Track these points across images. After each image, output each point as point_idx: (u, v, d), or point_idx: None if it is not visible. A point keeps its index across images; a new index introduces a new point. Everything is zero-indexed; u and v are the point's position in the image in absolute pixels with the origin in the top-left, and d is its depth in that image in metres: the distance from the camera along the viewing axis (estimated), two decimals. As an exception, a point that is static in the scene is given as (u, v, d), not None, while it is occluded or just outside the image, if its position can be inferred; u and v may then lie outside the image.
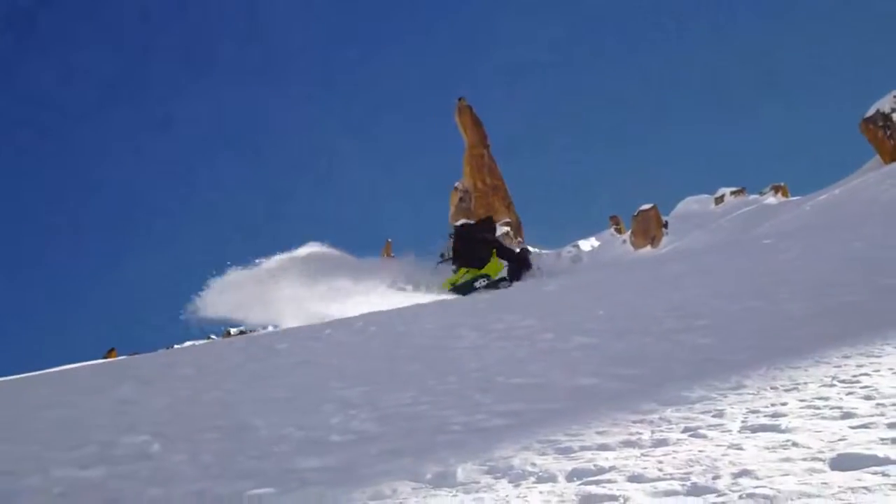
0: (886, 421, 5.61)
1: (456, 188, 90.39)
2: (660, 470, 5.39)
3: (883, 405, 6.06)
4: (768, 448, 5.46)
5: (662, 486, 5.02)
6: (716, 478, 4.94)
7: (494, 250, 30.32)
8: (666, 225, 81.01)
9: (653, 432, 6.57)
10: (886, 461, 4.67)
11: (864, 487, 4.27)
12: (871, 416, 5.83)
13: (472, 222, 35.43)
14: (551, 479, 5.72)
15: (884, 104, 71.92)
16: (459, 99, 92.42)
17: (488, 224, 33.10)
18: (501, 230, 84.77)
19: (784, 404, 6.71)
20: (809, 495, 4.31)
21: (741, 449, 5.57)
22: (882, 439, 5.15)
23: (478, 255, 29.54)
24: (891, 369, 7.26)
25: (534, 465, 6.18)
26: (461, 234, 30.88)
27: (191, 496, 7.13)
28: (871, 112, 72.59)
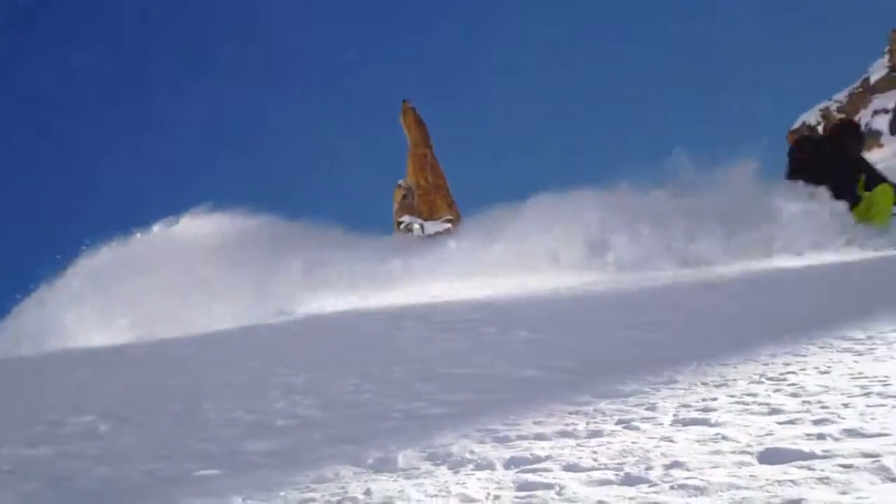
0: (812, 417, 5.65)
1: (399, 185, 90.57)
2: (594, 460, 5.38)
3: (809, 402, 6.10)
4: (699, 441, 5.47)
5: (597, 475, 5.00)
6: (648, 468, 4.93)
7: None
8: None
9: (588, 423, 6.56)
10: (811, 456, 4.69)
11: (791, 480, 4.28)
12: (798, 412, 5.87)
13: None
14: (489, 466, 5.69)
15: (810, 117, 73.20)
16: (404, 101, 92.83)
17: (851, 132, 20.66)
18: (444, 226, 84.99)
19: (714, 399, 6.74)
20: (738, 487, 4.31)
21: (673, 441, 5.57)
22: (807, 434, 5.18)
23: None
24: (816, 368, 7.32)
25: (472, 452, 6.14)
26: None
27: (140, 475, 7.03)
28: (797, 124, 73.84)
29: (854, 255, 17.86)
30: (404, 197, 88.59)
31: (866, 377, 6.68)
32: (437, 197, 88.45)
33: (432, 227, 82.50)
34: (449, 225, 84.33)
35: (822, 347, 8.35)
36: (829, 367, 7.25)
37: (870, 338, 8.37)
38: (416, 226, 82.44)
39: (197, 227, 30.17)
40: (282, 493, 5.81)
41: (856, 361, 7.31)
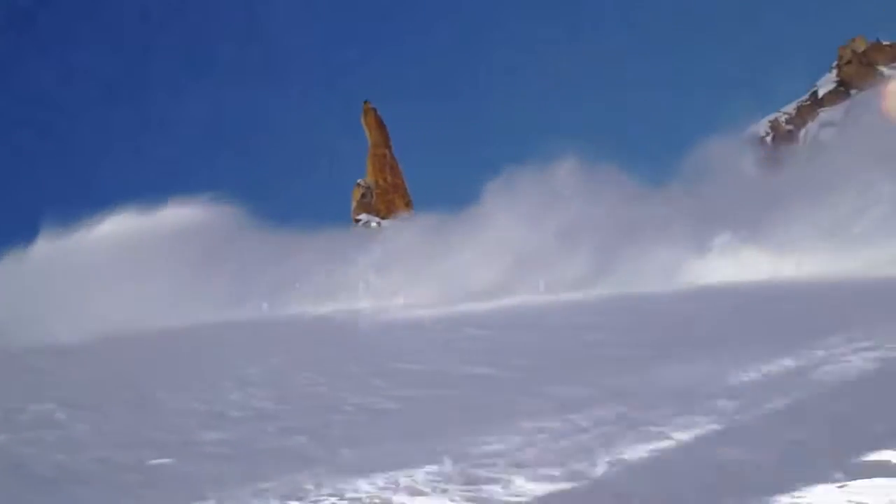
0: (749, 417, 5.74)
1: (358, 184, 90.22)
2: (540, 457, 5.41)
3: (747, 406, 6.19)
4: (642, 440, 5.53)
5: (542, 471, 5.03)
6: (592, 465, 4.98)
7: None
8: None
9: (534, 421, 6.61)
10: (750, 455, 4.76)
11: (729, 480, 4.34)
12: (737, 414, 5.96)
13: None
14: (437, 460, 5.71)
15: (759, 127, 73.91)
16: (365, 102, 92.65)
17: None
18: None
19: (658, 401, 6.81)
20: (677, 484, 4.36)
21: (616, 440, 5.63)
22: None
23: None
24: (756, 372, 7.43)
25: (422, 446, 6.16)
26: None
27: (94, 463, 7.00)
28: (747, 133, 74.56)
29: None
30: (363, 196, 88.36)
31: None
32: (396, 196, 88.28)
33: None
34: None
35: (757, 352, 8.50)
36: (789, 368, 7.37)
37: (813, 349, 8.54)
38: (374, 224, 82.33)
39: (172, 216, 29.81)
40: (233, 484, 5.78)
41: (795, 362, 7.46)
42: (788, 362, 7.76)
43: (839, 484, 4.05)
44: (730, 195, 25.07)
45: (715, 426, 5.76)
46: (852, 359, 7.48)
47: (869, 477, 4.07)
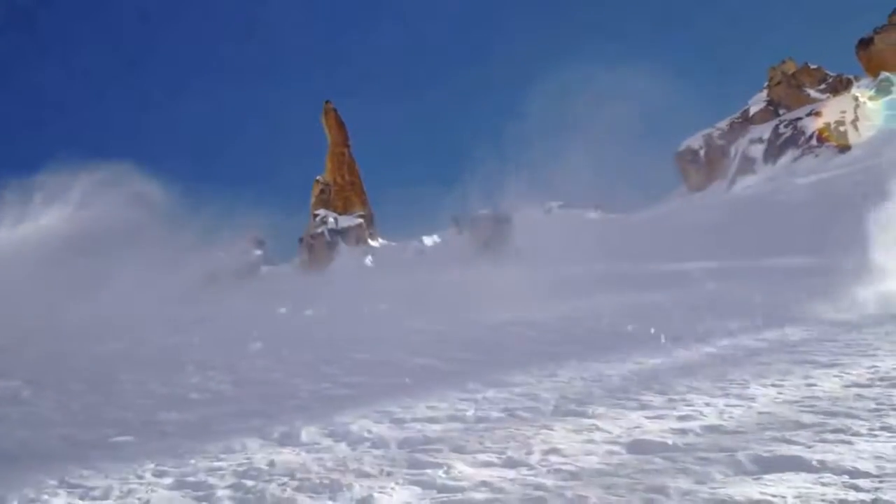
0: (676, 414, 5.85)
1: (318, 181, 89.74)
2: (480, 444, 5.48)
3: (674, 400, 6.31)
4: (575, 431, 5.61)
5: (482, 457, 5.09)
6: (528, 453, 5.05)
7: None
8: (501, 229, 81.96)
9: (476, 410, 6.69)
10: (675, 448, 4.86)
11: (655, 469, 4.43)
12: (664, 408, 6.07)
13: None
14: (384, 445, 5.78)
15: (693, 141, 74.80)
16: (326, 102, 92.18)
17: None
18: (357, 221, 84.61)
19: (591, 394, 6.92)
20: (607, 473, 4.44)
21: (552, 430, 5.71)
22: (672, 429, 5.36)
23: None
24: (681, 369, 7.57)
25: (370, 432, 6.22)
26: None
27: (57, 440, 6.99)
28: (682, 147, 75.41)
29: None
30: (321, 192, 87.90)
31: (728, 379, 6.95)
32: (352, 193, 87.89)
33: (346, 220, 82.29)
34: (361, 220, 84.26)
35: (687, 351, 8.67)
36: (694, 369, 7.51)
37: (733, 345, 8.71)
38: (331, 219, 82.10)
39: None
40: (192, 461, 5.78)
41: (722, 364, 7.61)
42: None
43: (754, 476, 4.17)
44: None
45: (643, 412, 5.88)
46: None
47: (780, 471, 4.19)
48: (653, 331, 10.51)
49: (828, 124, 58.08)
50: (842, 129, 56.67)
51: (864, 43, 64.53)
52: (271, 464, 5.47)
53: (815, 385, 6.63)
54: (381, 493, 4.51)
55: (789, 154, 60.65)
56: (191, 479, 5.29)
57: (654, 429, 5.44)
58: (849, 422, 5.18)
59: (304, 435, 6.29)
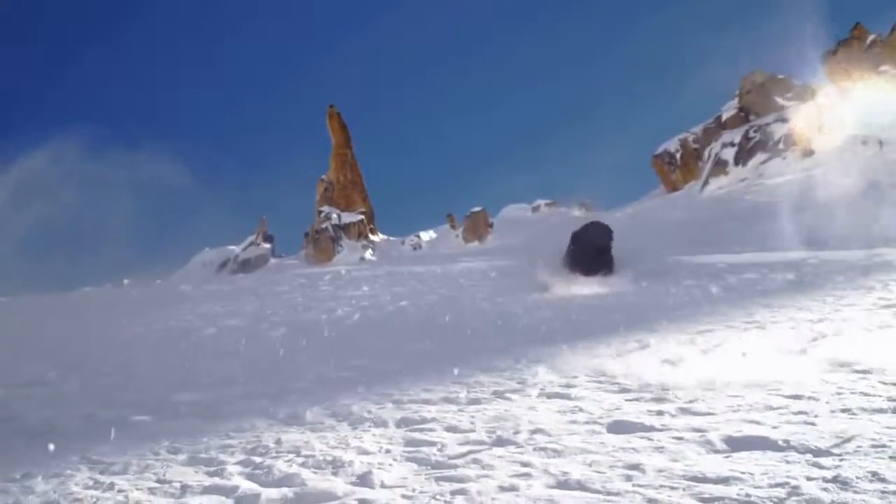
0: (651, 396, 5.86)
1: (322, 180, 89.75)
2: (472, 423, 5.49)
3: (649, 384, 6.31)
4: (559, 412, 5.62)
5: (473, 436, 5.10)
6: (516, 433, 5.05)
7: None
8: (492, 225, 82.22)
9: (468, 393, 6.69)
10: (651, 428, 4.86)
11: (633, 448, 4.43)
12: (640, 391, 6.08)
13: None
14: (383, 424, 5.79)
15: (670, 145, 74.71)
16: (330, 106, 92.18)
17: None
18: (358, 217, 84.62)
19: (574, 377, 6.92)
20: (589, 451, 4.45)
21: (538, 411, 5.72)
22: (649, 411, 5.36)
23: None
24: (657, 356, 7.57)
25: (370, 412, 6.23)
26: None
27: (79, 419, 7.01)
28: (659, 150, 75.32)
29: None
30: (326, 190, 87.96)
31: (702, 369, 6.96)
32: (354, 192, 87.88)
33: (348, 216, 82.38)
34: (362, 217, 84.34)
35: (664, 340, 8.67)
36: (671, 357, 7.51)
37: (710, 331, 8.73)
38: (335, 215, 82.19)
39: None
40: (204, 440, 5.79)
41: (702, 354, 7.61)
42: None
43: (724, 454, 4.17)
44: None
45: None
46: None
47: (748, 449, 4.20)
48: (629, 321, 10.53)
49: (794, 129, 58.06)
50: (807, 135, 56.66)
51: (829, 54, 64.50)
52: (278, 442, 5.49)
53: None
54: (379, 469, 4.51)
55: (758, 157, 60.66)
56: (203, 455, 5.30)
57: (632, 410, 5.44)
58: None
59: (309, 415, 6.30)
